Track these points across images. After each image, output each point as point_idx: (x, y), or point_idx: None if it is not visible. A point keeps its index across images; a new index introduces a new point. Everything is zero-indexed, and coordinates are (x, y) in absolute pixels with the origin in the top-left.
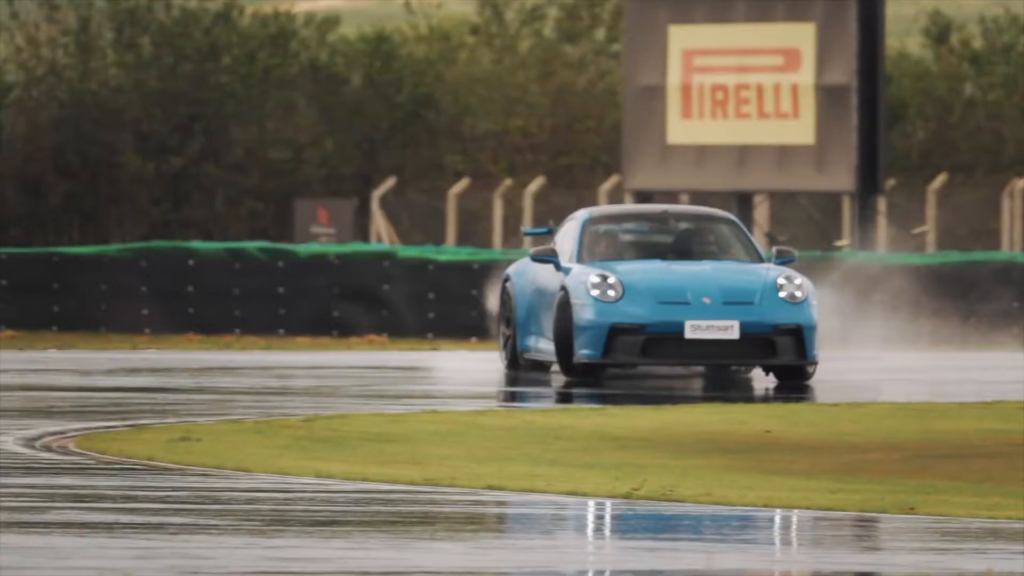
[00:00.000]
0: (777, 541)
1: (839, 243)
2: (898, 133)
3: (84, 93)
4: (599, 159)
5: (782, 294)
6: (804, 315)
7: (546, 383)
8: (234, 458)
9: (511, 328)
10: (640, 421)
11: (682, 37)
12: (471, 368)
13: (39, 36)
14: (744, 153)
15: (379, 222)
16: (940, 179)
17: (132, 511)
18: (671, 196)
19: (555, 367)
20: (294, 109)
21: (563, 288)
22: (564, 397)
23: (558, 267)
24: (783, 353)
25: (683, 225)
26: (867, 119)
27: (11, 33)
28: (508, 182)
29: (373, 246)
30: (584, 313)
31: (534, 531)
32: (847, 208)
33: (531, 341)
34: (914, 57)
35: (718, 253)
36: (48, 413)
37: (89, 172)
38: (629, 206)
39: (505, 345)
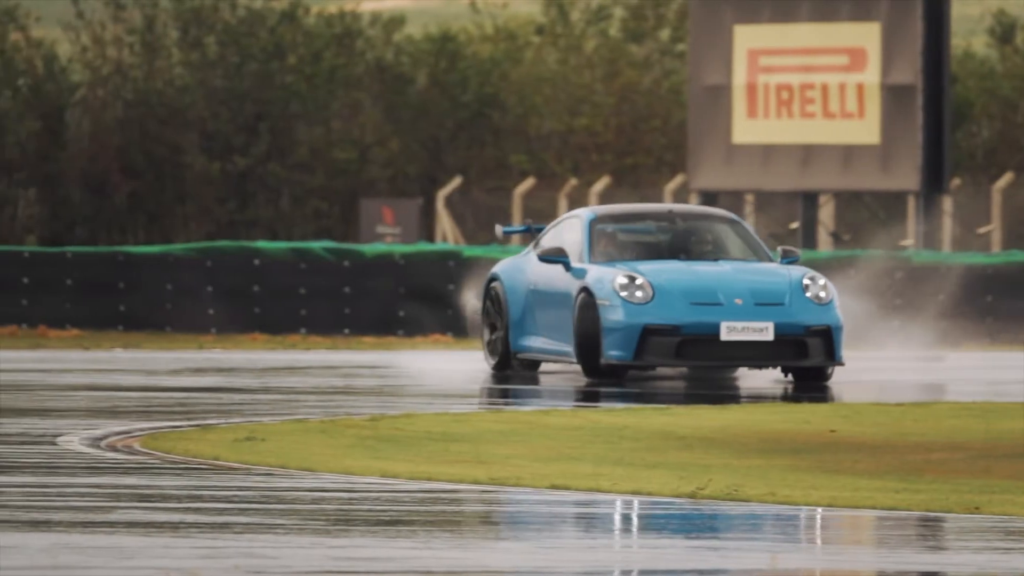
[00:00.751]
0: (842, 541)
1: (904, 243)
2: (963, 133)
3: (149, 92)
4: (664, 159)
5: (808, 295)
6: (832, 316)
7: (556, 384)
8: (299, 458)
9: (501, 328)
10: (705, 421)
11: (747, 37)
12: (449, 369)
13: (105, 35)
14: (809, 153)
15: (444, 222)
16: (1005, 178)
17: (197, 511)
18: (736, 196)
19: (546, 366)
20: (359, 109)
21: (584, 289)
22: (591, 396)
23: (568, 267)
24: (814, 354)
25: (689, 224)
26: (932, 119)
27: (77, 32)
28: (573, 182)
29: (438, 246)
30: (613, 314)
31: (598, 530)
32: (912, 208)
33: (529, 341)
34: (979, 57)
35: (728, 253)
36: (113, 413)
37: (154, 171)
38: (634, 205)
39: (492, 345)
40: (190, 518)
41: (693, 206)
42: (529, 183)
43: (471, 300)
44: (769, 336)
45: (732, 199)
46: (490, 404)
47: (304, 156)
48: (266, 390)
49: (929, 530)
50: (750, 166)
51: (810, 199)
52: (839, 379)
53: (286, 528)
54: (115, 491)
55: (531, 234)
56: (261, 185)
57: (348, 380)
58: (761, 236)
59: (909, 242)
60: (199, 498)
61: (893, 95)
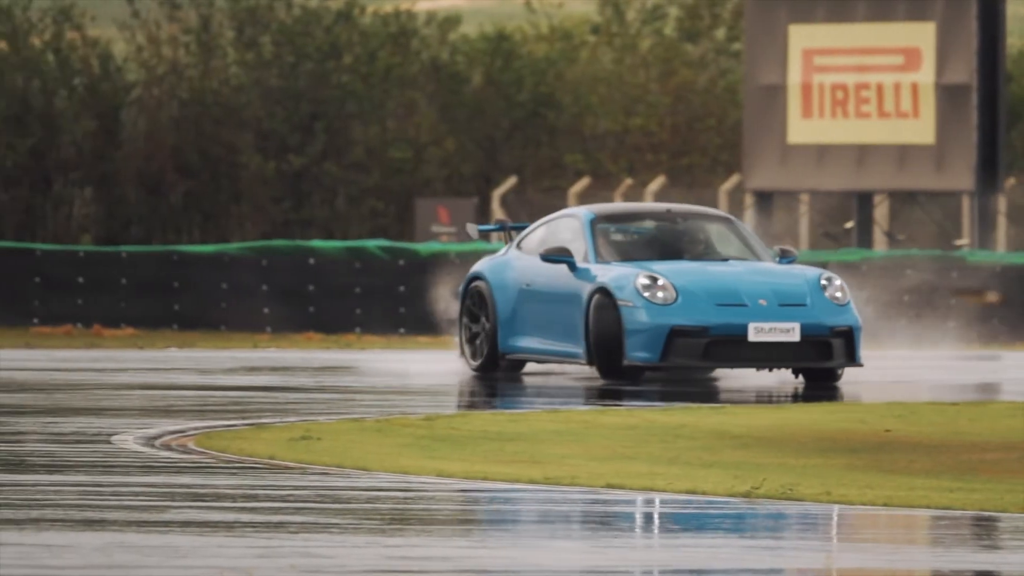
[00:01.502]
0: (897, 540)
1: (958, 242)
2: (1018, 132)
3: (205, 92)
4: (719, 158)
5: (825, 295)
6: (853, 317)
7: (565, 384)
8: (354, 457)
9: (487, 328)
10: (760, 420)
11: (802, 36)
12: (428, 371)
13: (160, 35)
14: (864, 152)
15: None
16: None
17: (252, 510)
18: (791, 195)
19: (531, 367)
20: (415, 108)
21: (601, 290)
22: (614, 395)
23: (572, 267)
24: (836, 356)
25: (689, 224)
26: (987, 118)
27: (132, 32)
28: (628, 181)
29: (494, 245)
30: (637, 315)
31: (653, 530)
32: (966, 207)
33: (521, 341)
34: None
35: (731, 253)
36: (168, 412)
37: (210, 171)
38: (632, 204)
39: (474, 345)
40: (245, 517)
41: (690, 205)
42: (584, 183)
43: (444, 300)
44: (796, 337)
45: (787, 199)
46: (546, 404)
47: (359, 155)
48: (321, 389)
49: (984, 530)
50: (805, 166)
51: (865, 199)
52: (899, 378)
53: (341, 527)
54: (169, 490)
55: (505, 232)
56: (316, 184)
57: (403, 379)
58: (815, 236)
59: (964, 242)
60: (254, 497)
61: (948, 95)
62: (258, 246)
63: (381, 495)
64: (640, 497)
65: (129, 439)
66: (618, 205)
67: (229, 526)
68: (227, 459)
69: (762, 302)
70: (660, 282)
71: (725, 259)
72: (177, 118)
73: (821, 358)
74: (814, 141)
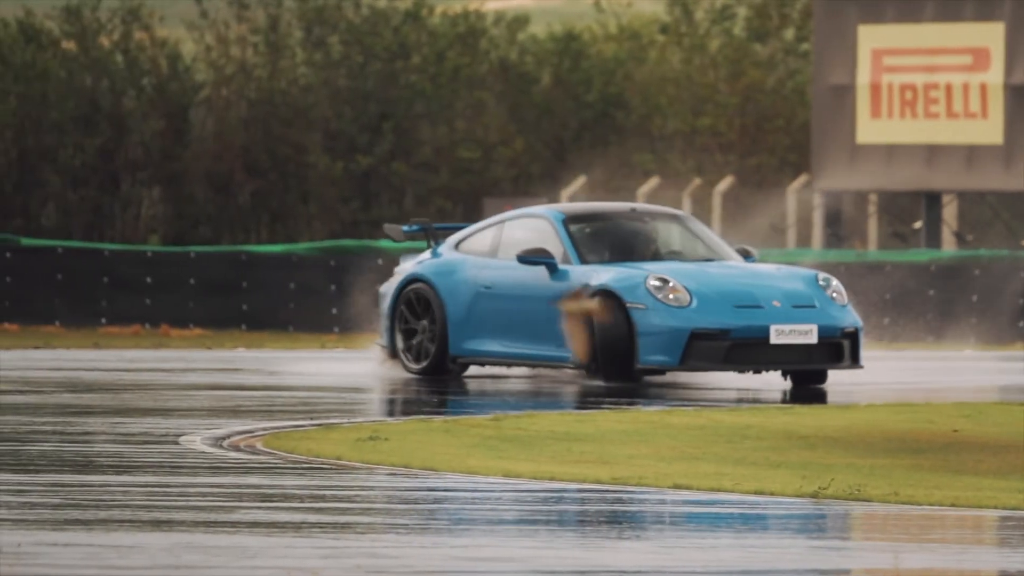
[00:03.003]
0: (964, 541)
1: None
2: None
3: (273, 92)
4: (788, 159)
5: (827, 295)
6: (855, 318)
7: (569, 386)
8: (422, 457)
9: (430, 331)
10: (827, 420)
11: (871, 36)
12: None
13: (229, 35)
14: (933, 153)
15: None
16: None
17: (319, 511)
18: (860, 196)
19: (476, 370)
20: (483, 108)
21: (603, 291)
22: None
23: (552, 269)
24: (845, 357)
25: (657, 223)
26: None
27: (201, 32)
28: (697, 181)
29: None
30: (652, 318)
31: (720, 530)
32: None
33: (480, 345)
34: None
35: (700, 252)
36: (236, 412)
37: (278, 171)
38: (596, 204)
39: (414, 349)
40: (312, 518)
41: (651, 205)
42: (653, 183)
43: (360, 302)
44: (813, 339)
45: (856, 199)
46: (612, 404)
47: (428, 155)
48: (389, 389)
49: None
50: (874, 166)
51: (933, 199)
52: (969, 382)
53: (408, 528)
54: (237, 491)
55: (427, 233)
56: (385, 184)
57: (471, 380)
58: (884, 236)
59: None
60: (321, 498)
61: (1016, 95)
62: (326, 246)
63: (448, 495)
64: (707, 497)
65: (197, 440)
66: (583, 205)
67: (296, 527)
68: (295, 460)
69: (776, 303)
70: (671, 283)
71: (708, 259)
72: (245, 118)
73: (833, 360)
74: (883, 141)
